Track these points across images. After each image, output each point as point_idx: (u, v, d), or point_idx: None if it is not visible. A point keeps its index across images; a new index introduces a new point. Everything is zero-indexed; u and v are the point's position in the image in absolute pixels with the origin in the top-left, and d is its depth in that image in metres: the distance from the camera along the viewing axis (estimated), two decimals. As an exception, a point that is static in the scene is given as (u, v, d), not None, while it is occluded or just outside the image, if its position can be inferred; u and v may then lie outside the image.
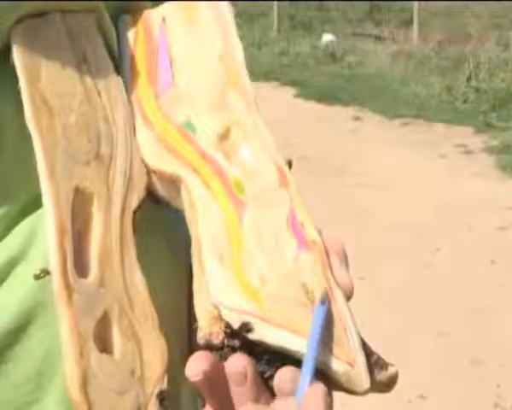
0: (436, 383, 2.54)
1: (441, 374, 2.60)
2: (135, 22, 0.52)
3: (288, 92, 7.33)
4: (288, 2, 11.15)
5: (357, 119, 6.33)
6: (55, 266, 0.40)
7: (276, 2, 10.77)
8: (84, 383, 0.38)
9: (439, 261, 3.53)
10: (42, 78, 0.44)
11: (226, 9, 0.52)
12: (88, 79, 0.46)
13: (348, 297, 0.43)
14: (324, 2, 11.42)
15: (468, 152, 5.34)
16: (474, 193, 4.44)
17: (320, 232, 0.44)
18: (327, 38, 9.48)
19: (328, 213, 3.75)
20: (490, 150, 5.33)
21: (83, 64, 0.46)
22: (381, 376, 0.42)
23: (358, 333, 0.42)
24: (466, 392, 2.50)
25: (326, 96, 7.00)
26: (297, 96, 7.25)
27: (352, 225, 3.85)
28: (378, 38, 9.72)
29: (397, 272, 3.37)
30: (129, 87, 0.49)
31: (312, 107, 6.81)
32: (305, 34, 10.20)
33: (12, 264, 0.43)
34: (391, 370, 0.42)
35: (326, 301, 0.41)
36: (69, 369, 0.39)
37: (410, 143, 5.54)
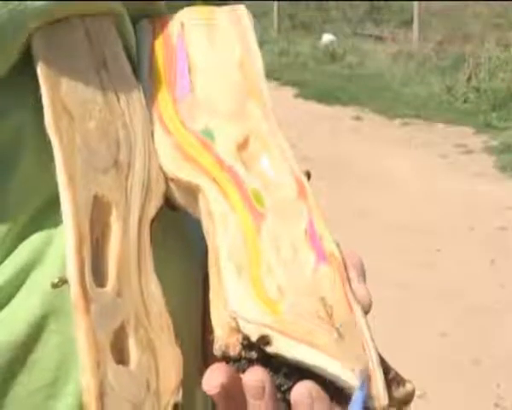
0: (436, 383, 2.54)
1: (441, 374, 2.60)
2: (154, 27, 0.51)
3: (288, 92, 7.32)
4: (288, 2, 11.13)
5: (357, 119, 6.33)
6: (72, 274, 0.39)
7: (276, 3, 10.75)
8: (101, 395, 0.38)
9: (439, 261, 3.54)
10: (62, 84, 0.43)
11: (245, 16, 0.51)
12: (107, 85, 0.45)
13: (366, 312, 0.42)
14: (324, 2, 11.40)
15: (468, 152, 5.34)
16: (474, 193, 4.44)
17: (338, 245, 0.44)
18: (327, 38, 9.47)
19: (328, 213, 3.74)
20: (490, 150, 5.32)
21: (102, 69, 0.45)
22: (399, 393, 0.42)
23: (376, 349, 0.41)
24: (466, 392, 2.51)
25: (326, 96, 7.00)
26: (297, 96, 7.24)
27: (352, 225, 3.85)
28: (378, 38, 9.71)
29: (397, 272, 3.38)
30: (147, 93, 0.48)
31: (312, 107, 6.81)
32: (305, 34, 10.18)
33: (27, 271, 0.43)
34: (408, 386, 0.42)
35: (365, 385, 0.39)
36: (86, 380, 0.38)
37: (410, 143, 5.54)
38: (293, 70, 8.32)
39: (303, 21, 10.98)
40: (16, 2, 0.42)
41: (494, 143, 5.47)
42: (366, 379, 0.39)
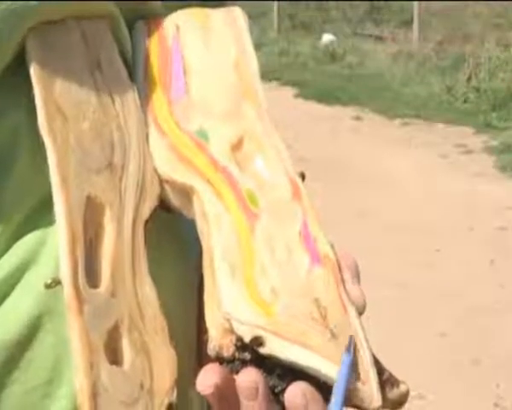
0: (436, 383, 2.54)
1: (441, 374, 2.60)
2: (149, 29, 0.51)
3: (288, 92, 7.32)
4: (288, 2, 11.13)
5: (357, 119, 6.33)
6: (66, 275, 0.39)
7: (275, 3, 10.75)
8: (94, 395, 0.38)
9: (438, 261, 3.54)
10: (56, 85, 0.43)
11: (241, 17, 0.51)
12: (102, 87, 0.45)
13: (360, 313, 0.42)
14: (324, 2, 11.40)
15: (468, 152, 5.34)
16: (474, 193, 4.44)
17: (332, 246, 0.44)
18: (327, 38, 9.47)
19: (328, 213, 3.75)
20: (490, 150, 5.33)
21: (97, 71, 0.46)
22: (393, 394, 0.42)
23: (370, 350, 0.41)
24: (466, 392, 2.51)
25: (326, 96, 7.00)
26: (297, 96, 7.25)
27: (352, 225, 3.85)
28: (378, 38, 9.71)
29: (396, 272, 3.38)
30: (142, 95, 0.48)
31: (312, 107, 6.81)
32: (305, 34, 10.18)
33: (21, 271, 0.43)
34: (402, 387, 0.42)
35: (352, 350, 0.40)
36: (79, 380, 0.38)
37: (410, 143, 5.54)
38: (293, 70, 8.33)
39: (303, 21, 10.98)
40: (9, 2, 0.42)
41: (494, 143, 5.47)
42: (353, 344, 0.40)
